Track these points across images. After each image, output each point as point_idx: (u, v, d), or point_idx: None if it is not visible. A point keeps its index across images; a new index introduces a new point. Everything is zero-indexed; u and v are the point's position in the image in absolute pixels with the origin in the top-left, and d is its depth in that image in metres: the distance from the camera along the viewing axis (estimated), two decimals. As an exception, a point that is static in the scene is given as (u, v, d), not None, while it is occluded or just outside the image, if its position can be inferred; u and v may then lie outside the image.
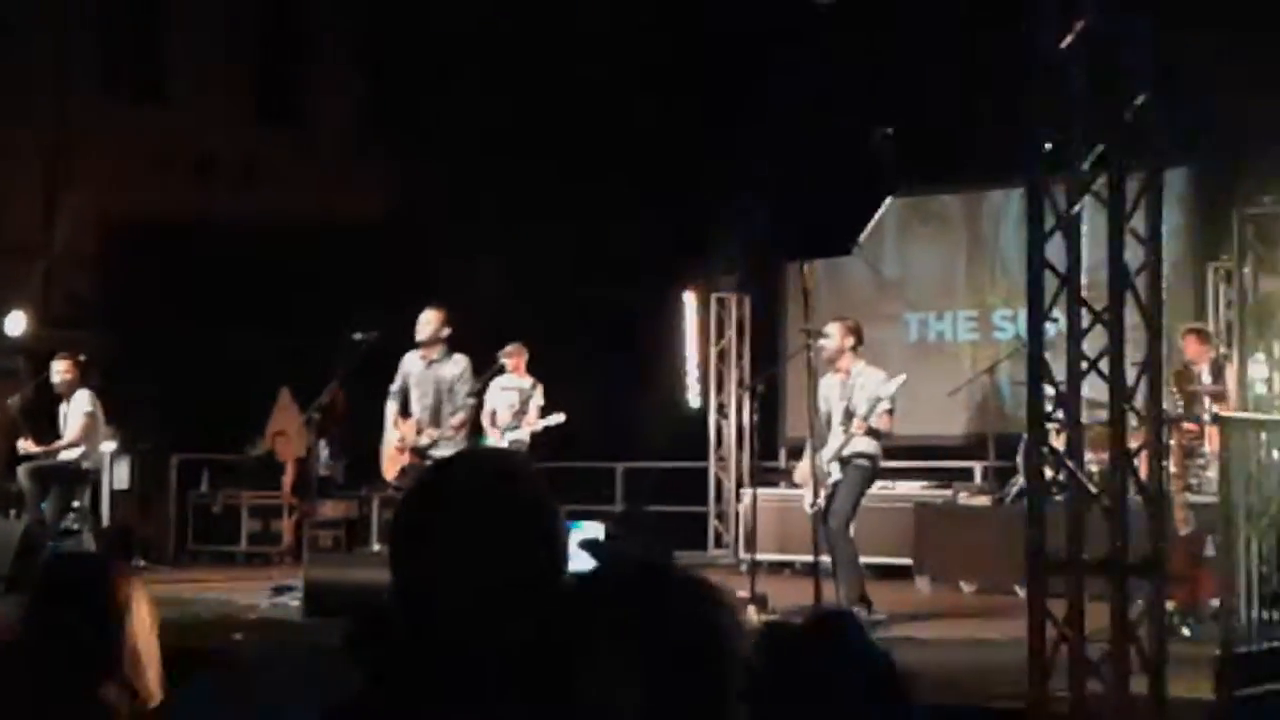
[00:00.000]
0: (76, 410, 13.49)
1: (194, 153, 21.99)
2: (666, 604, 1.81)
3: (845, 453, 10.82)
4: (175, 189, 21.57)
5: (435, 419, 11.70)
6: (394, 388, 11.87)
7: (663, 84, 18.89)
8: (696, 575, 1.93)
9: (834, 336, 10.98)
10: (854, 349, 10.98)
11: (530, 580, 2.21)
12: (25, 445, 13.57)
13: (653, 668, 1.74)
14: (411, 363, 11.82)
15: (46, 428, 13.75)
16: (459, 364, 11.80)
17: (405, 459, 11.67)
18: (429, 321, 11.75)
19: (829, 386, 11.03)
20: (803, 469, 11.14)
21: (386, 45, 23.48)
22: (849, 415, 10.83)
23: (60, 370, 13.57)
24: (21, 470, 13.43)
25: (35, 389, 14.30)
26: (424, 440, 11.57)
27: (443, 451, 11.21)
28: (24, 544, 12.29)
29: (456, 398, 11.73)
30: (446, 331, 11.76)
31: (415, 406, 11.78)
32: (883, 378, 10.92)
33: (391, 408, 11.87)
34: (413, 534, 2.26)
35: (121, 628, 3.02)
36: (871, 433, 10.80)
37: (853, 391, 10.86)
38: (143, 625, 3.07)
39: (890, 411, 10.82)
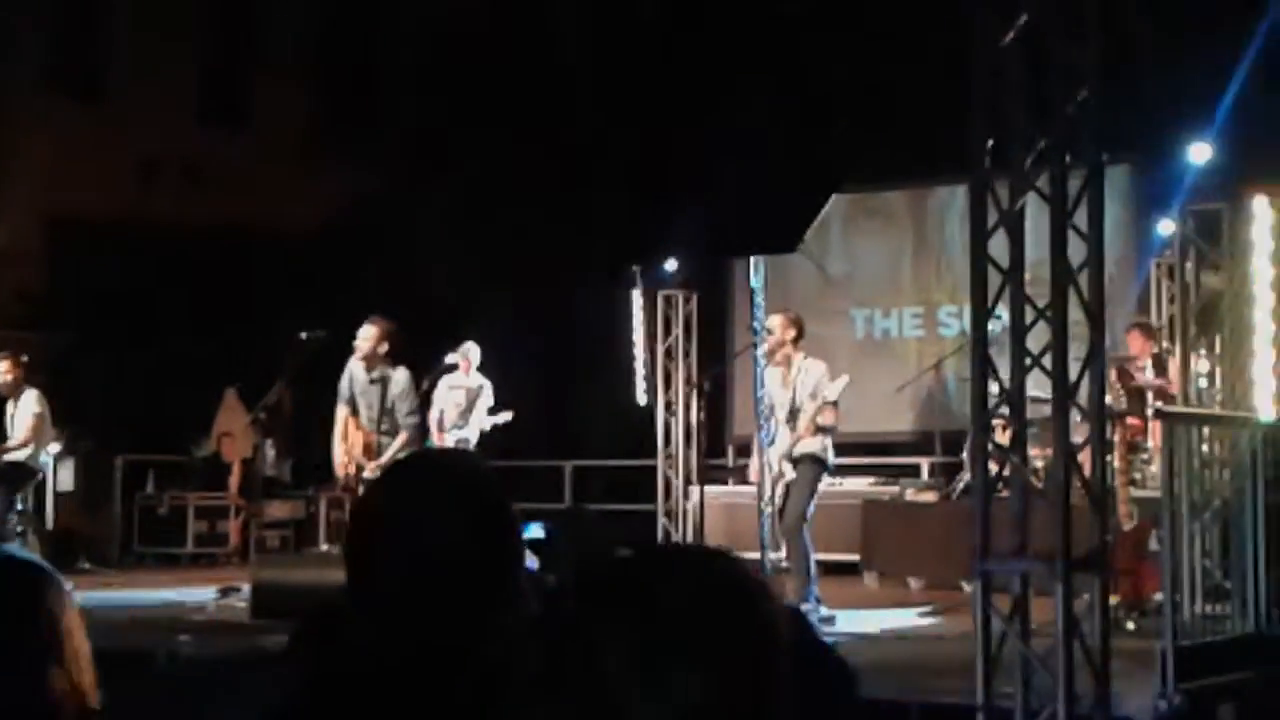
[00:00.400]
0: (25, 410, 13.40)
1: (137, 152, 21.86)
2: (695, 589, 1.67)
3: (795, 453, 10.83)
4: (119, 188, 21.46)
5: (380, 430, 11.60)
6: (342, 390, 11.75)
7: (609, 84, 18.91)
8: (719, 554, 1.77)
9: (776, 330, 11.00)
10: (795, 341, 10.99)
11: (487, 579, 2.22)
12: None
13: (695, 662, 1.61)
14: (356, 369, 11.69)
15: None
16: (399, 383, 11.61)
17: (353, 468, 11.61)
18: (368, 337, 11.56)
19: (771, 379, 11.06)
20: (755, 466, 11.16)
21: (334, 48, 23.43)
22: (793, 412, 10.85)
23: (2, 370, 13.49)
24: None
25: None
26: (367, 474, 11.37)
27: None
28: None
29: (397, 416, 11.60)
30: (385, 347, 11.57)
31: (362, 415, 11.69)
32: (823, 371, 10.92)
33: (342, 412, 11.73)
34: (370, 535, 2.26)
35: (59, 625, 3.03)
36: (819, 430, 10.83)
37: (795, 385, 10.87)
38: (76, 625, 3.09)
39: (834, 404, 10.84)
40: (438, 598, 2.19)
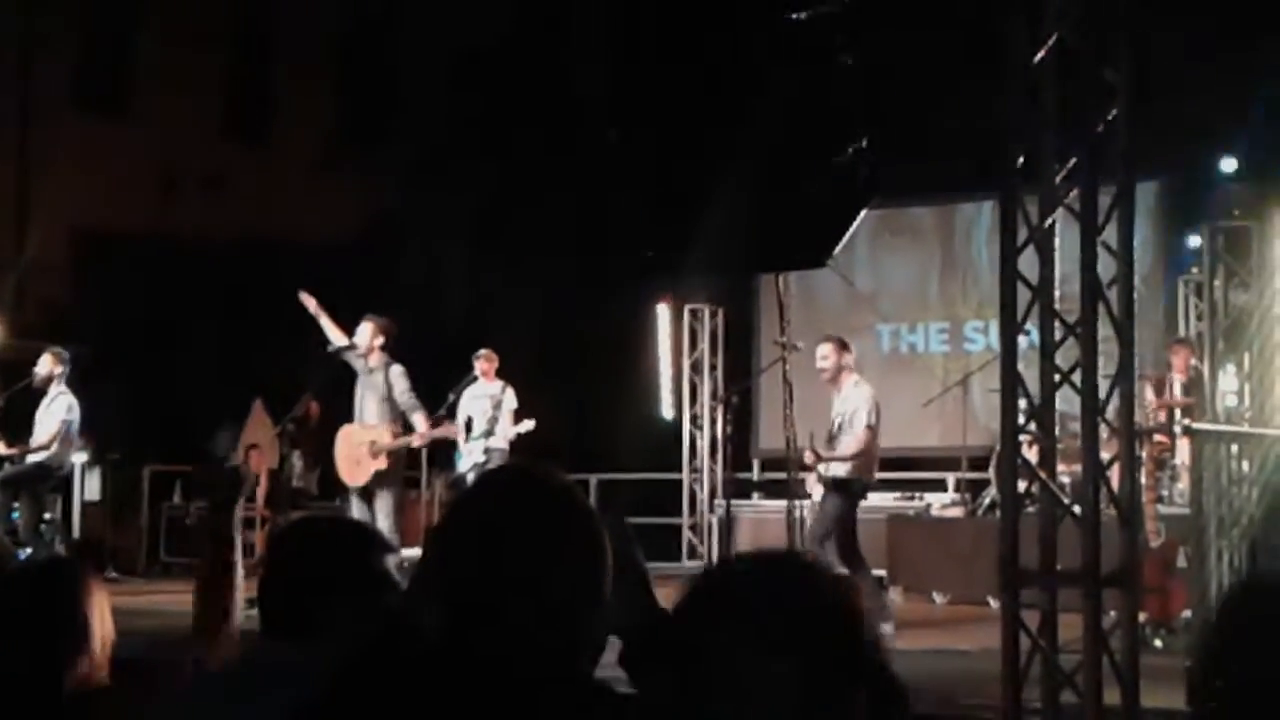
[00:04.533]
0: (54, 414, 13.36)
1: (162, 166, 21.96)
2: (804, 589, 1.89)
3: (827, 474, 10.79)
4: (144, 202, 21.58)
5: (388, 419, 11.77)
6: None
7: (636, 93, 18.91)
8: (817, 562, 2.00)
9: (830, 356, 10.87)
10: (848, 366, 10.95)
11: (582, 590, 2.25)
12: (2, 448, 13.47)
13: (796, 651, 1.83)
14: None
15: (20, 435, 13.66)
16: (398, 373, 11.85)
17: (383, 463, 11.70)
18: (365, 333, 11.88)
19: (832, 403, 11.00)
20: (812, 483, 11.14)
21: (353, 62, 23.50)
22: (832, 435, 10.80)
23: (46, 363, 13.45)
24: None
25: (7, 398, 14.22)
26: (416, 442, 11.70)
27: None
28: (-4, 556, 12.22)
29: (405, 400, 11.81)
30: (380, 340, 11.84)
31: (356, 410, 11.90)
32: (867, 397, 10.83)
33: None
34: (469, 540, 2.27)
35: (88, 619, 3.24)
36: (845, 453, 10.71)
37: (841, 410, 10.81)
38: (100, 612, 3.32)
39: (870, 428, 10.73)
40: (551, 616, 2.23)
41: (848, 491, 10.83)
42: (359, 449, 11.83)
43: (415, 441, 11.82)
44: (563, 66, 19.95)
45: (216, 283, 20.78)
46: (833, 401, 10.98)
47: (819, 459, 10.69)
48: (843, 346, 10.98)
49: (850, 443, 10.70)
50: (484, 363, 13.58)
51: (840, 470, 10.75)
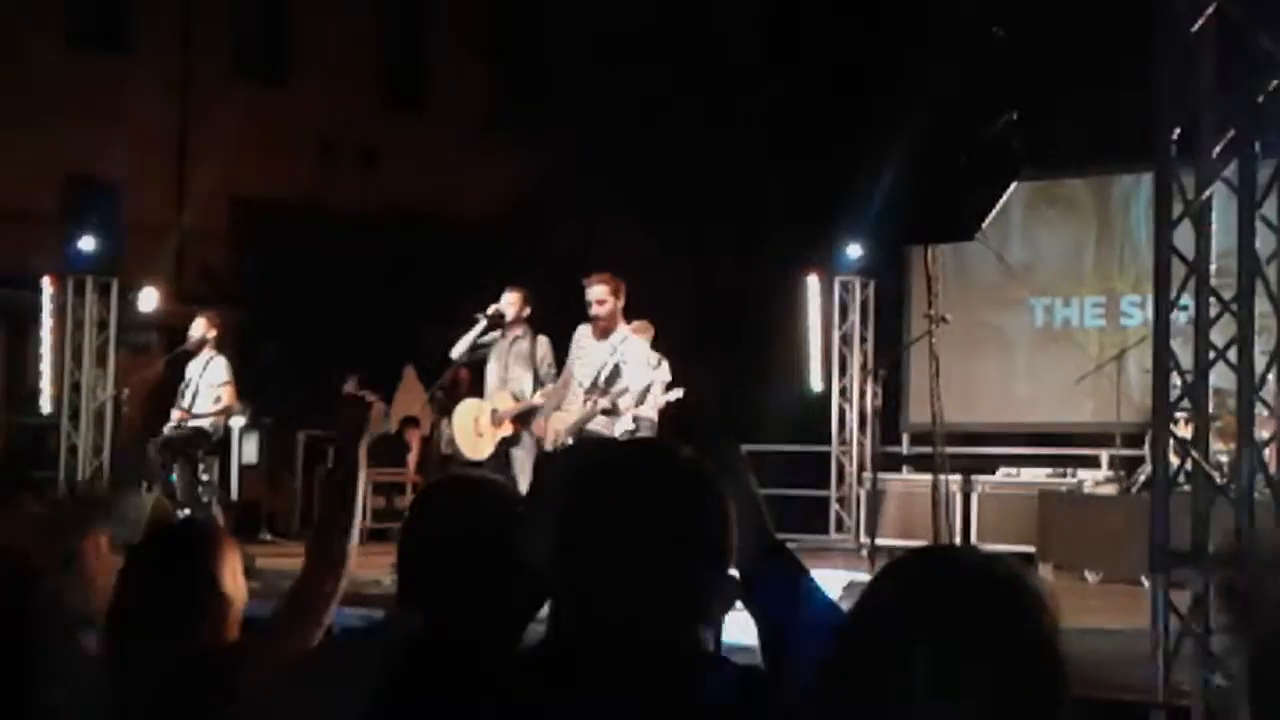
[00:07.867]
0: (216, 377, 13.30)
1: (319, 136, 22.26)
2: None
3: (603, 431, 10.23)
4: (302, 170, 21.89)
5: (515, 396, 11.76)
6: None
7: (791, 67, 18.83)
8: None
9: (606, 301, 10.30)
10: (623, 310, 10.44)
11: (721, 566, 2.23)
12: (178, 414, 13.43)
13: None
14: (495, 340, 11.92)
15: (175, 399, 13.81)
16: (543, 344, 11.83)
17: (507, 429, 11.71)
18: (512, 302, 11.78)
19: (587, 346, 10.46)
20: (543, 428, 10.72)
21: (510, 30, 23.61)
22: (596, 385, 10.29)
23: (200, 326, 13.40)
24: (151, 445, 13.45)
25: (168, 364, 14.40)
26: (538, 399, 11.61)
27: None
28: (154, 517, 12.42)
29: (545, 372, 11.79)
30: (527, 311, 11.81)
31: (491, 380, 11.86)
32: (647, 355, 10.41)
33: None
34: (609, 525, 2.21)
35: (219, 580, 3.41)
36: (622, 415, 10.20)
37: (610, 359, 10.32)
38: (235, 578, 3.49)
39: (669, 385, 10.47)
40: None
41: None
42: (478, 421, 11.82)
43: (536, 399, 11.68)
44: (716, 38, 19.91)
45: (371, 251, 21.05)
46: (586, 344, 10.46)
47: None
48: (619, 289, 10.37)
49: (631, 402, 10.19)
50: (638, 335, 13.56)
51: (616, 430, 10.18)
